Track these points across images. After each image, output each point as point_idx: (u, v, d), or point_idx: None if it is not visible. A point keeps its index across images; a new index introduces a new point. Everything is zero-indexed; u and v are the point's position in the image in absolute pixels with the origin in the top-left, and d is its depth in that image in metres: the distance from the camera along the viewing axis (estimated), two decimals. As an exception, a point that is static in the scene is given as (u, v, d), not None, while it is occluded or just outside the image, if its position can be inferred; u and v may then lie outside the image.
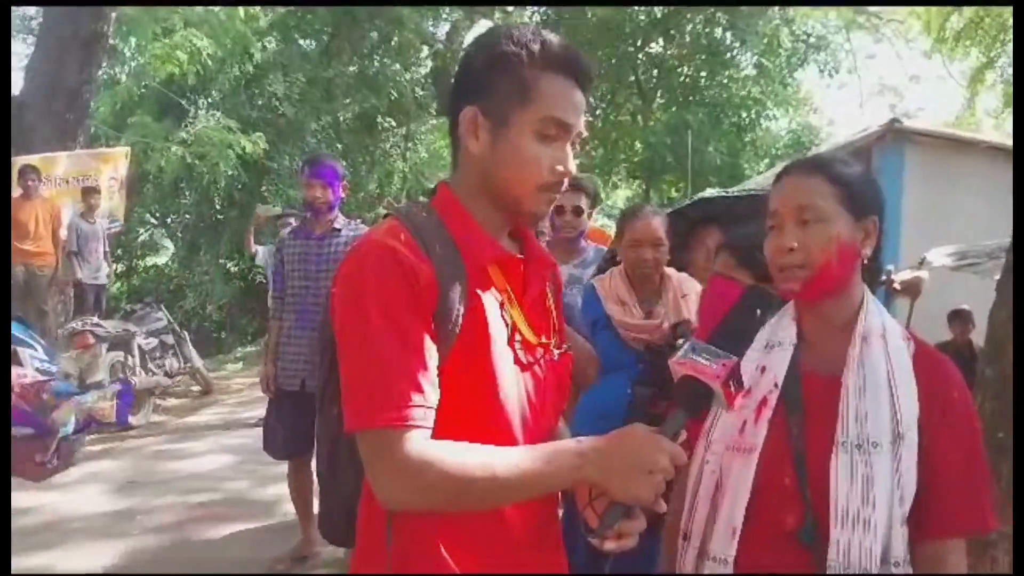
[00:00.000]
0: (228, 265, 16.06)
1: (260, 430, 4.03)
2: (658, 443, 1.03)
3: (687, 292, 2.66)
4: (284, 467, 3.96)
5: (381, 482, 1.05)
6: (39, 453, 3.92)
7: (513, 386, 1.15)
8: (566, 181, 1.18)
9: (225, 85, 14.03)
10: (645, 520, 1.11)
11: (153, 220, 17.55)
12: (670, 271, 2.74)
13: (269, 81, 14.42)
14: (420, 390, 1.04)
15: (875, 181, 1.41)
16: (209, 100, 14.88)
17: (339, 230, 3.74)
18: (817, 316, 1.37)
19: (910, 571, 1.23)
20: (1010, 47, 9.25)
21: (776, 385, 1.32)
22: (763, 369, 1.35)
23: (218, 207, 15.51)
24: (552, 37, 1.17)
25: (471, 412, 1.11)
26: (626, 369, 2.59)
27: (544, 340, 1.23)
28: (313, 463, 3.75)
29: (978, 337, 5.65)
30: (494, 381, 1.12)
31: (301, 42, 16.01)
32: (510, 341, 1.16)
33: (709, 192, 5.16)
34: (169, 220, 17.40)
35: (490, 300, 1.15)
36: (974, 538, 1.32)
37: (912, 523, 1.25)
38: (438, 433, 1.06)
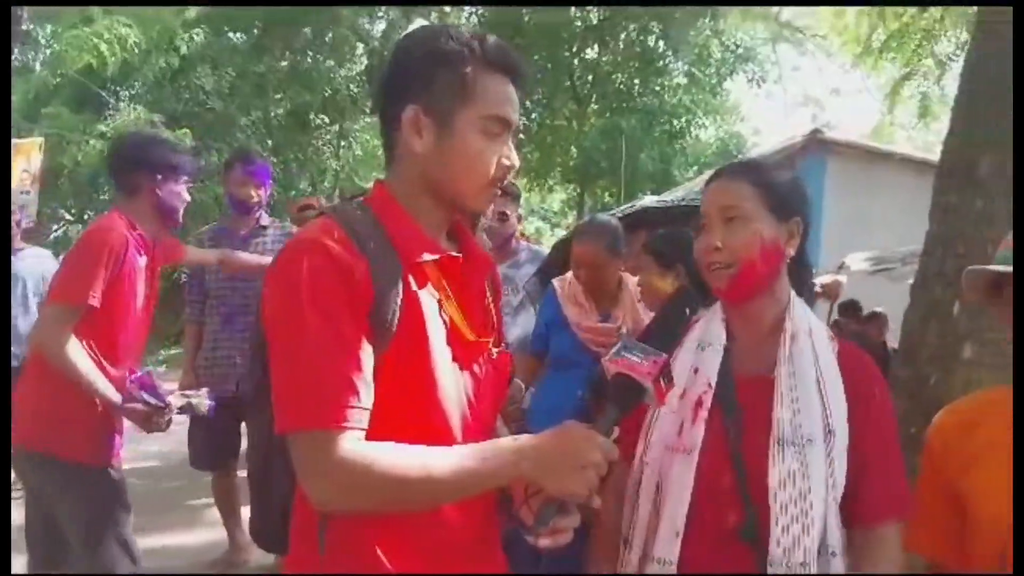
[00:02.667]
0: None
1: (183, 436, 3.89)
2: (592, 439, 1.05)
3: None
4: (208, 473, 3.85)
5: (314, 485, 1.04)
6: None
7: (451, 385, 1.14)
8: (511, 174, 1.19)
9: (149, 77, 13.52)
10: (579, 516, 1.12)
11: (69, 216, 16.78)
12: (627, 275, 2.79)
13: (197, 74, 13.97)
14: (355, 391, 1.03)
15: (800, 185, 1.47)
16: (131, 92, 14.32)
17: (265, 227, 3.64)
18: (746, 316, 1.41)
19: (844, 561, 1.29)
20: (928, 62, 9.71)
21: (710, 385, 1.36)
22: (696, 370, 1.38)
23: (140, 203, 14.92)
24: (489, 37, 1.18)
25: (409, 412, 1.10)
26: (581, 368, 2.62)
27: (482, 339, 1.23)
28: (240, 469, 3.73)
29: (891, 339, 5.92)
30: (432, 380, 1.11)
31: (231, 35, 15.59)
32: (448, 340, 1.15)
33: (648, 199, 5.29)
34: (86, 216, 16.64)
35: (427, 299, 1.14)
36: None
37: (847, 513, 1.31)
38: (375, 434, 1.05)
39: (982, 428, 1.37)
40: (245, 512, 3.69)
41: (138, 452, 6.05)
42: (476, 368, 1.20)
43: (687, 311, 1.19)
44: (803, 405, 1.30)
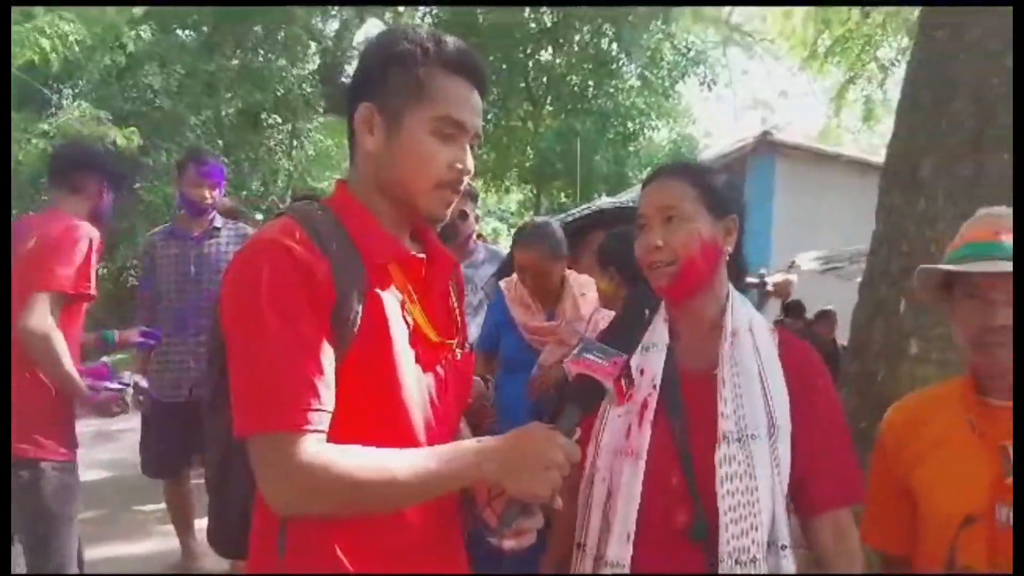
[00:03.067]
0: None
1: (135, 443, 3.80)
2: (554, 440, 1.05)
3: (585, 291, 2.76)
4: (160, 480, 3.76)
5: (273, 488, 1.02)
6: None
7: (415, 387, 1.13)
8: (465, 180, 1.18)
9: (94, 74, 13.14)
10: (542, 518, 1.12)
11: (10, 217, 16.22)
12: (570, 273, 2.82)
13: (144, 72, 13.62)
14: (315, 393, 1.02)
15: (735, 184, 1.52)
16: (75, 90, 13.89)
17: (219, 229, 3.56)
18: (687, 315, 1.43)
19: (794, 554, 1.32)
20: (871, 66, 10.00)
21: (655, 387, 1.37)
22: (642, 372, 1.40)
23: (85, 204, 14.50)
24: (448, 38, 1.17)
25: (371, 413, 1.09)
26: (530, 369, 2.65)
27: (446, 340, 1.22)
28: (192, 476, 3.65)
29: (841, 336, 6.06)
30: (395, 382, 1.11)
31: (180, 33, 15.24)
32: (411, 341, 1.15)
33: (605, 200, 5.34)
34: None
35: (390, 299, 1.13)
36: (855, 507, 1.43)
37: (799, 503, 1.34)
38: (337, 436, 1.04)
39: (930, 424, 1.42)
40: (198, 522, 3.63)
41: (89, 460, 5.89)
42: (439, 369, 1.20)
43: (646, 312, 1.20)
44: (746, 401, 1.33)
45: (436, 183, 1.14)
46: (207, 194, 3.50)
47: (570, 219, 3.53)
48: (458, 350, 1.25)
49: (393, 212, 1.18)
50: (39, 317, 2.29)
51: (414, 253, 1.19)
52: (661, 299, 1.45)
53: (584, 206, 4.94)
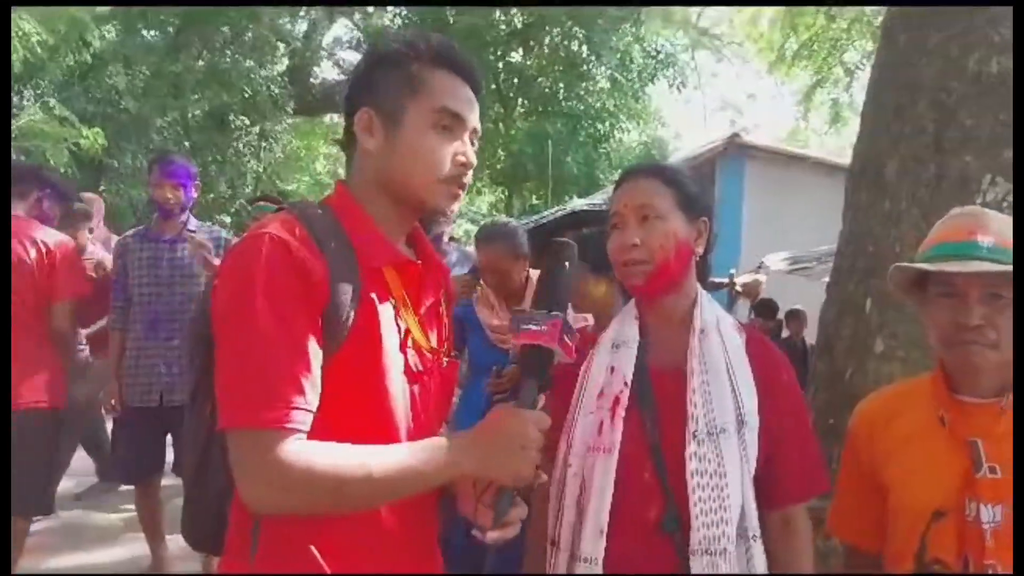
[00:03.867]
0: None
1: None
2: (521, 417, 1.06)
3: None
4: (128, 488, 3.71)
5: (250, 486, 1.01)
6: None
7: (400, 393, 1.14)
8: (469, 173, 1.18)
9: (57, 75, 12.88)
10: (526, 508, 1.13)
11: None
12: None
13: (109, 73, 13.39)
14: (302, 392, 1.01)
15: (706, 186, 1.55)
16: (37, 91, 13.61)
17: (193, 232, 3.51)
18: (657, 313, 1.46)
19: (762, 542, 1.34)
20: (837, 70, 10.18)
21: (626, 384, 1.39)
22: (612, 369, 1.42)
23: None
24: (435, 36, 1.18)
25: (356, 416, 1.09)
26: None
27: (436, 347, 1.23)
28: (164, 481, 3.60)
29: (810, 336, 6.16)
30: (382, 386, 1.11)
31: (145, 33, 15.00)
32: (402, 347, 1.15)
33: (579, 202, 5.37)
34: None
35: (384, 303, 1.13)
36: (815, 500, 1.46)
37: (761, 496, 1.37)
38: (319, 437, 1.03)
39: (901, 419, 1.44)
40: (169, 527, 3.58)
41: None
42: (426, 376, 1.20)
43: (566, 264, 1.19)
44: (715, 396, 1.36)
45: (440, 177, 1.15)
46: (170, 195, 3.45)
47: (544, 221, 3.55)
48: (444, 358, 1.25)
49: (394, 214, 1.18)
50: (69, 323, 3.24)
51: (410, 258, 1.20)
52: (632, 296, 1.48)
53: (558, 207, 4.96)
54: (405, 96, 1.14)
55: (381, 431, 1.11)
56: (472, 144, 1.19)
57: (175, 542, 3.59)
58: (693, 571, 1.29)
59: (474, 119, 1.19)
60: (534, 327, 1.11)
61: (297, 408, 1.01)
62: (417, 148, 1.14)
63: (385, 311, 1.13)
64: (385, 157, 1.15)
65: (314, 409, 1.03)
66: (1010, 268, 1.26)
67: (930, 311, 1.37)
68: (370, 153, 1.16)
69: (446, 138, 1.15)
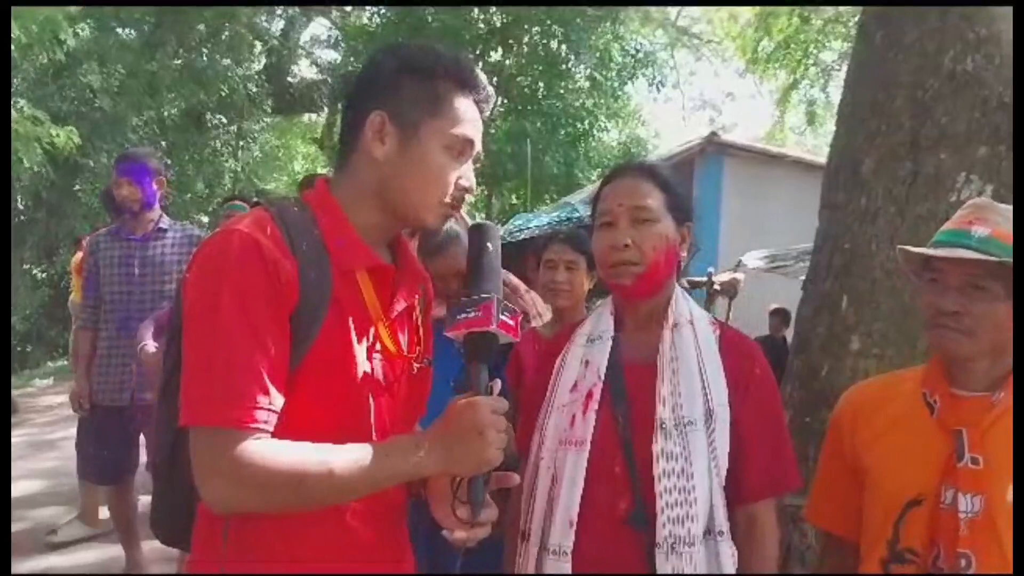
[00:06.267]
0: (35, 271, 14.55)
1: (72, 452, 3.67)
2: (474, 403, 1.05)
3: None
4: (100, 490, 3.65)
5: (210, 484, 1.00)
6: None
7: (366, 399, 1.12)
8: (467, 197, 1.18)
9: (30, 73, 12.68)
10: (496, 509, 1.12)
11: (-60, 222, 15.55)
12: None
13: (83, 71, 13.19)
14: (265, 392, 1.00)
15: (691, 191, 1.56)
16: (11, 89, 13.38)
17: (165, 230, 3.46)
18: (636, 309, 1.46)
19: (730, 540, 1.33)
20: (813, 71, 10.28)
21: (600, 377, 1.39)
22: (587, 363, 1.42)
23: (22, 207, 13.98)
24: (462, 55, 1.19)
25: (321, 419, 1.08)
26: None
27: (407, 354, 1.21)
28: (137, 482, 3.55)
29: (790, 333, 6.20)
30: (348, 391, 1.09)
31: (120, 31, 14.80)
32: (370, 352, 1.14)
33: (561, 214, 5.37)
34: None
35: (354, 308, 1.12)
36: (783, 497, 1.46)
37: (729, 492, 1.36)
38: (283, 438, 1.02)
39: (888, 407, 1.45)
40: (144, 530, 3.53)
41: (27, 469, 5.68)
42: (394, 384, 1.19)
43: (488, 246, 1.16)
44: (684, 389, 1.35)
45: (441, 200, 1.15)
46: (126, 191, 3.38)
47: (521, 234, 3.52)
48: (416, 364, 1.24)
49: (379, 220, 1.17)
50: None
51: (384, 262, 1.18)
52: (611, 293, 1.47)
53: (543, 222, 4.94)
54: (425, 111, 1.13)
55: (345, 434, 1.08)
56: (477, 164, 1.20)
57: (149, 545, 3.54)
58: (658, 567, 1.28)
59: (479, 143, 1.19)
60: (468, 314, 1.10)
61: (260, 408, 1.00)
62: (427, 166, 1.13)
63: (354, 316, 1.12)
64: (391, 166, 1.13)
65: (278, 409, 1.02)
66: (994, 259, 1.26)
67: (930, 287, 1.37)
68: (374, 158, 1.14)
69: (456, 160, 1.15)
